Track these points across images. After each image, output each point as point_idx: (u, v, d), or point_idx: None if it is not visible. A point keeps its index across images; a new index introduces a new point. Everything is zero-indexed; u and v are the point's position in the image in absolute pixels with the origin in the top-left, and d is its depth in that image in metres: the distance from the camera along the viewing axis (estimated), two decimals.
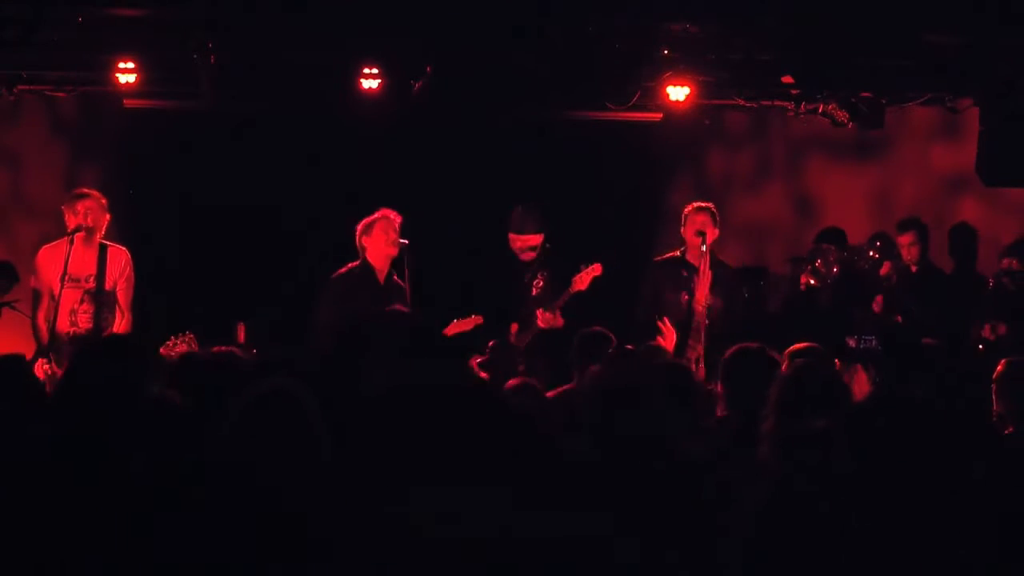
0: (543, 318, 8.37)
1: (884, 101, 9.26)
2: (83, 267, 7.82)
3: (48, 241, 8.10)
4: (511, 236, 8.69)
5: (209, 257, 9.59)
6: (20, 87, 9.14)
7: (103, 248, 7.91)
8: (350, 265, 8.22)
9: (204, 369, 4.82)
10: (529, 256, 8.67)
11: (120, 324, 7.89)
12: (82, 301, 7.83)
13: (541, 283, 8.64)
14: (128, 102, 9.13)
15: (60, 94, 9.37)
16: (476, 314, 8.30)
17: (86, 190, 7.98)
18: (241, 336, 8.03)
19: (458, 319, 8.30)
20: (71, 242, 7.67)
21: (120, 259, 7.97)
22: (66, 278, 7.67)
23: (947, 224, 10.02)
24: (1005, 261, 9.01)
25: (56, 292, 7.65)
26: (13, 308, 8.10)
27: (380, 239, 8.14)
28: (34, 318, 7.90)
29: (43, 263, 7.89)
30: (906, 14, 8.04)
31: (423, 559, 2.91)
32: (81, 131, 9.85)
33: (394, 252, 8.14)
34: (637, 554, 3.02)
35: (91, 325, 7.80)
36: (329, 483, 3.42)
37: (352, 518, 3.17)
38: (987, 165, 9.03)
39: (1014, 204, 10.03)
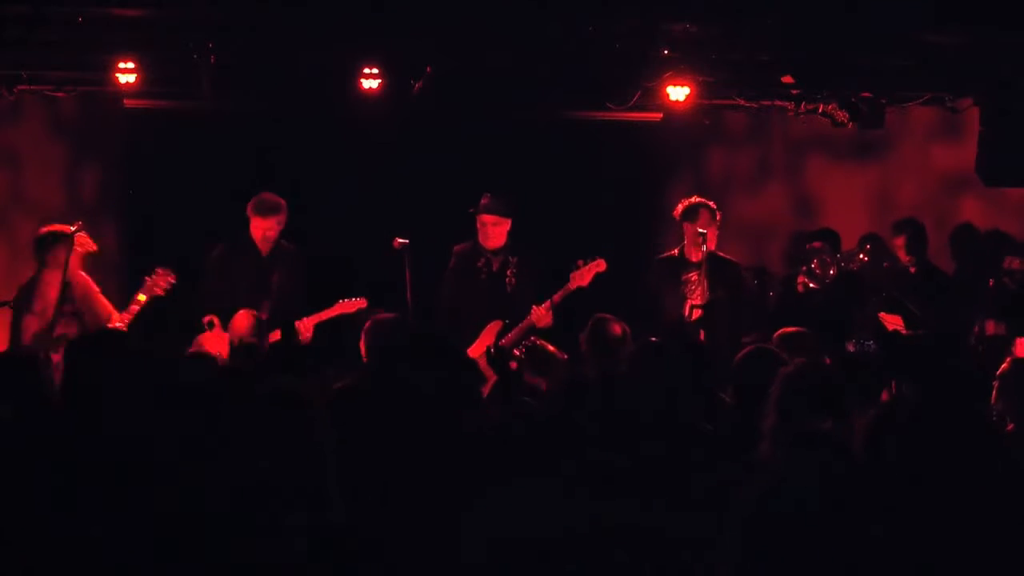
0: (536, 314, 8.20)
1: (884, 101, 9.26)
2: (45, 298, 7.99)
3: None
4: (482, 218, 8.49)
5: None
6: (20, 87, 9.14)
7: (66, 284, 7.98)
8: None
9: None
10: (497, 242, 8.52)
11: (111, 320, 7.99)
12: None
13: (514, 280, 8.52)
14: (128, 102, 9.13)
15: (60, 94, 9.37)
16: (362, 297, 8.35)
17: (73, 228, 8.02)
18: None
19: (343, 300, 8.35)
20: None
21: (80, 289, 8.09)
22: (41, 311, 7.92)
23: (948, 224, 10.01)
24: (1007, 260, 8.98)
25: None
26: (11, 307, 8.09)
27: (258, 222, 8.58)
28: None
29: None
30: (906, 14, 8.04)
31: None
32: (81, 131, 9.83)
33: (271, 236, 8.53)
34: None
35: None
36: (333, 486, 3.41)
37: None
38: (987, 165, 9.03)
39: (1014, 204, 10.03)
